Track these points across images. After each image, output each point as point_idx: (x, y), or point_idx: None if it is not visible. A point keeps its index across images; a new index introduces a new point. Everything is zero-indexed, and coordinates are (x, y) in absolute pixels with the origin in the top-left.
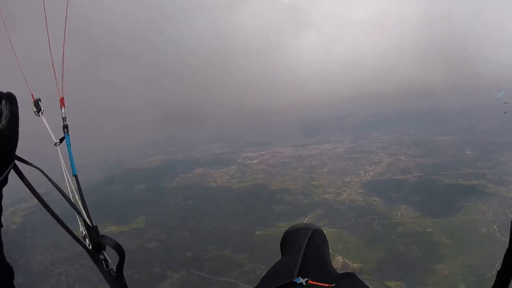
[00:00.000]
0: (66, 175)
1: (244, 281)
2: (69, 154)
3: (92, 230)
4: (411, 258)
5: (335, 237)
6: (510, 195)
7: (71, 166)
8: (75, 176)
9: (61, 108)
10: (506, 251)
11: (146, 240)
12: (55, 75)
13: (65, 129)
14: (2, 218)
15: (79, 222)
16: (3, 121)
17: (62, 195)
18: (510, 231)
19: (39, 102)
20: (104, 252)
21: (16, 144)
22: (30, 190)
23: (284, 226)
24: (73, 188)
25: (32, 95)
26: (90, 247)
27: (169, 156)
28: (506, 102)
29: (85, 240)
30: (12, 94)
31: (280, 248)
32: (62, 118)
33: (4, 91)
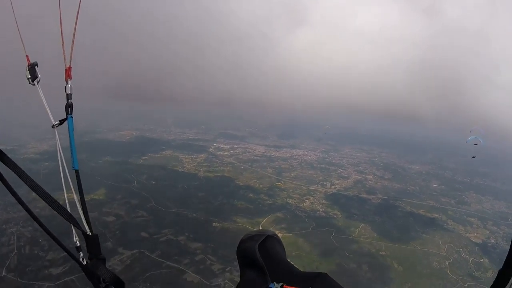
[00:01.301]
0: (64, 168)
1: (193, 270)
2: (70, 142)
3: (90, 240)
4: (360, 277)
5: (290, 242)
6: (467, 235)
7: (72, 157)
8: (76, 170)
9: (67, 82)
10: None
11: (104, 213)
12: (62, 35)
13: (69, 109)
14: None
15: (73, 231)
16: None
17: (49, 204)
18: None
19: (36, 67)
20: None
21: None
22: (12, 194)
23: (242, 222)
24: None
25: (27, 56)
26: (84, 262)
27: (142, 132)
28: (476, 144)
29: (79, 253)
30: None
31: (237, 258)
32: (67, 94)
33: None
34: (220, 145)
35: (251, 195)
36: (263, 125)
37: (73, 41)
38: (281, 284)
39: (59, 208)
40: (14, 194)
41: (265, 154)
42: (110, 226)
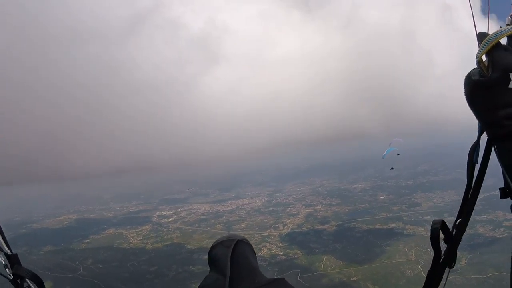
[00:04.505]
0: None
1: None
2: None
3: (12, 259)
4: None
5: None
6: (429, 234)
7: None
8: None
9: None
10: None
11: None
12: None
13: None
14: None
15: None
16: None
17: None
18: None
19: None
20: (28, 280)
21: None
22: None
23: None
24: None
25: None
26: (11, 277)
27: (80, 215)
28: (398, 154)
29: (6, 270)
30: None
31: (208, 263)
32: None
33: None
34: (163, 212)
35: (206, 257)
36: (202, 182)
37: None
38: None
39: None
40: None
41: (210, 211)
42: None
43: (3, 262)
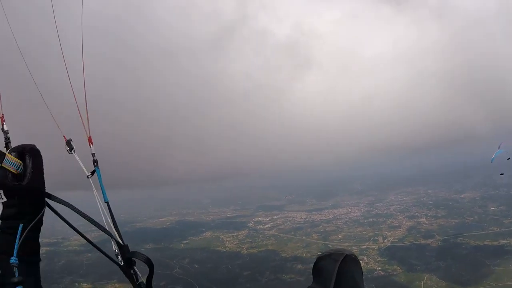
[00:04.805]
0: (99, 203)
1: None
2: (100, 184)
3: (124, 249)
4: None
5: None
6: None
7: (103, 194)
8: (107, 202)
9: (90, 146)
10: None
11: None
12: (81, 116)
13: (95, 163)
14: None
15: (112, 242)
16: (28, 175)
17: (91, 222)
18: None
19: (71, 142)
20: (135, 267)
21: (43, 192)
22: (65, 222)
23: None
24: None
25: (64, 136)
26: (122, 263)
27: (181, 217)
28: (509, 158)
29: (117, 258)
30: (34, 147)
31: (312, 274)
32: (92, 154)
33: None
34: (260, 218)
35: (299, 266)
36: (298, 189)
37: (87, 115)
38: None
39: (104, 229)
40: (69, 224)
41: (307, 219)
42: None
43: (116, 250)
